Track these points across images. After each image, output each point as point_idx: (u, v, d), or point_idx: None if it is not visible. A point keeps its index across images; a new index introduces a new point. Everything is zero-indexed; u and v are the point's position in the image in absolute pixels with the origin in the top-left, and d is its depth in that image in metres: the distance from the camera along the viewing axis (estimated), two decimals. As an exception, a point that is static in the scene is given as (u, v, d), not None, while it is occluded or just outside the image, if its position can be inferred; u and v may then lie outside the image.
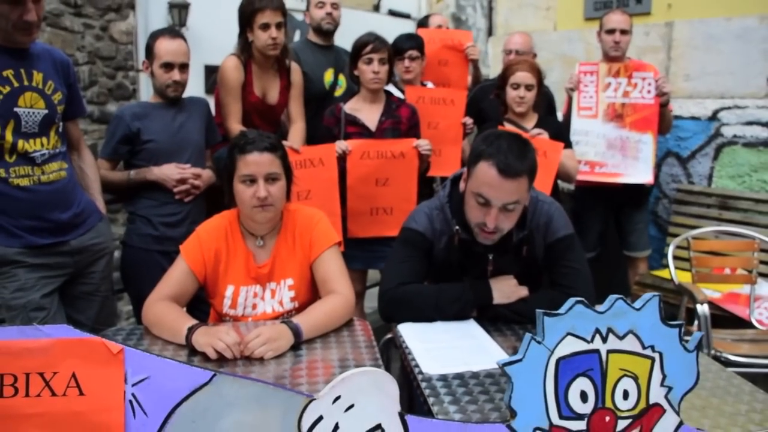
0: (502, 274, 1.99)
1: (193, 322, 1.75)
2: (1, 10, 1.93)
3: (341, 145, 2.76)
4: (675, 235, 3.55)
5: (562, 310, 1.19)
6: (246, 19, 2.81)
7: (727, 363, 2.55)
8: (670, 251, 3.03)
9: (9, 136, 2.01)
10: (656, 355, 1.25)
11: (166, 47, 2.55)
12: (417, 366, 1.61)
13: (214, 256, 1.98)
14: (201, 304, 2.19)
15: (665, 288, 3.33)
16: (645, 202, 3.71)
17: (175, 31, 2.78)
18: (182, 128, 2.63)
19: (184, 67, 2.59)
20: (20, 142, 2.04)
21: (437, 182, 3.32)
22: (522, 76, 2.99)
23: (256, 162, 1.92)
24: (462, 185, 1.94)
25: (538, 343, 1.18)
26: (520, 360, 1.17)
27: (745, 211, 3.76)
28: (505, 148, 1.79)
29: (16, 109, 2.02)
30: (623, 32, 3.41)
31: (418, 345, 1.74)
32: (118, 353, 1.15)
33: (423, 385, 1.51)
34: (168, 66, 2.55)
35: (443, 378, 1.54)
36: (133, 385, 1.16)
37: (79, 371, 1.15)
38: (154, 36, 2.60)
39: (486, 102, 3.37)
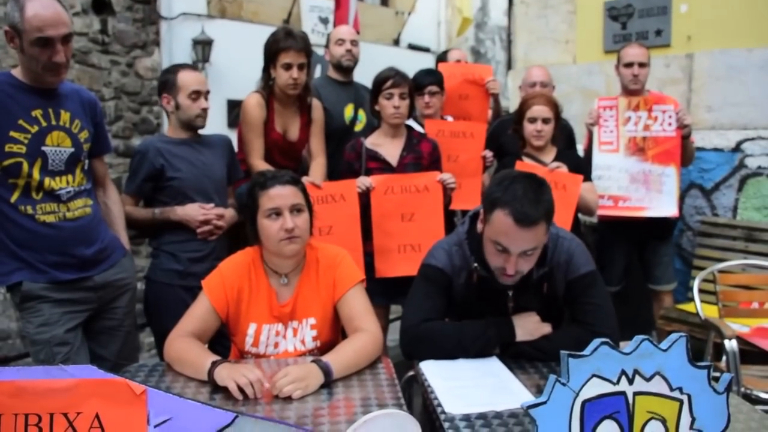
0: (523, 310, 1.97)
1: (216, 357, 1.75)
2: (31, 52, 1.99)
3: (365, 181, 2.77)
4: (700, 268, 3.49)
5: (586, 352, 1.17)
6: (270, 56, 2.86)
7: (758, 401, 2.49)
8: (696, 285, 2.97)
9: (36, 174, 2.06)
10: (685, 397, 1.23)
11: (191, 77, 2.61)
12: (440, 405, 1.59)
13: (237, 294, 1.98)
14: (222, 339, 2.20)
15: (691, 322, 3.27)
16: (670, 234, 3.66)
17: (189, 64, 2.83)
18: (206, 165, 2.66)
19: (207, 94, 2.66)
20: (47, 180, 2.08)
21: (458, 216, 3.32)
22: (539, 110, 2.99)
23: (280, 194, 1.94)
24: (480, 226, 1.93)
25: (563, 385, 1.16)
26: (544, 402, 1.16)
27: (772, 243, 3.70)
28: (520, 194, 1.76)
29: (43, 148, 2.07)
30: (641, 65, 3.41)
31: (441, 383, 1.72)
32: (141, 394, 1.15)
33: (446, 425, 1.49)
34: (197, 95, 2.60)
35: (466, 418, 1.52)
36: (155, 426, 1.16)
37: (102, 412, 1.15)
38: (172, 70, 2.65)
39: (506, 136, 3.37)
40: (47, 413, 1.14)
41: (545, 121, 2.99)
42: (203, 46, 5.55)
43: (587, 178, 3.12)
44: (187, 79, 2.60)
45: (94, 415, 1.15)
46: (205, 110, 2.63)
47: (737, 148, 4.00)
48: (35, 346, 2.13)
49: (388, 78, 2.81)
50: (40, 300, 2.12)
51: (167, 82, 2.63)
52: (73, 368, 1.17)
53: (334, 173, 3.04)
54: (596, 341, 1.18)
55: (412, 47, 7.62)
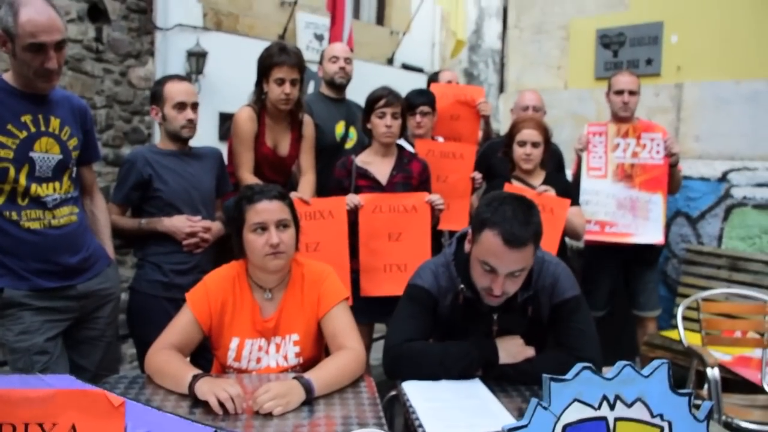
0: (507, 333, 1.97)
1: (197, 371, 1.73)
2: (23, 58, 1.98)
3: (353, 199, 2.77)
4: (684, 296, 3.51)
5: (569, 376, 1.17)
6: (263, 70, 2.87)
7: (738, 429, 2.49)
8: (680, 312, 2.99)
9: (23, 180, 2.04)
10: (665, 424, 1.22)
11: (177, 88, 2.61)
12: (421, 426, 1.58)
13: (221, 308, 1.97)
14: (205, 353, 2.18)
15: (674, 349, 3.29)
16: (655, 261, 3.68)
17: (180, 75, 2.85)
18: (194, 177, 2.65)
19: (195, 106, 2.64)
20: (33, 186, 2.06)
21: (445, 237, 3.32)
22: (528, 134, 3.01)
23: (267, 209, 1.93)
24: (467, 246, 1.93)
25: (545, 408, 1.16)
26: (525, 426, 1.15)
27: (756, 273, 3.73)
28: (510, 215, 1.76)
29: (31, 154, 2.05)
30: (631, 93, 3.45)
31: (423, 404, 1.71)
32: (119, 406, 1.14)
33: (426, 446, 1.48)
34: (182, 106, 2.59)
35: (447, 440, 1.51)
36: (132, 439, 1.14)
37: (78, 423, 1.14)
38: (161, 81, 2.66)
39: (495, 158, 3.39)
40: (22, 423, 1.12)
41: (534, 144, 3.01)
42: (197, 57, 5.57)
43: (575, 202, 3.15)
44: (172, 90, 2.60)
45: (70, 426, 1.13)
46: (191, 121, 2.62)
47: (723, 178, 4.05)
48: (14, 354, 2.10)
49: (381, 97, 2.83)
50: (21, 307, 2.09)
51: (156, 93, 2.64)
52: (51, 378, 1.16)
53: (323, 190, 3.04)
54: (578, 366, 1.18)
55: (406, 67, 7.69)
